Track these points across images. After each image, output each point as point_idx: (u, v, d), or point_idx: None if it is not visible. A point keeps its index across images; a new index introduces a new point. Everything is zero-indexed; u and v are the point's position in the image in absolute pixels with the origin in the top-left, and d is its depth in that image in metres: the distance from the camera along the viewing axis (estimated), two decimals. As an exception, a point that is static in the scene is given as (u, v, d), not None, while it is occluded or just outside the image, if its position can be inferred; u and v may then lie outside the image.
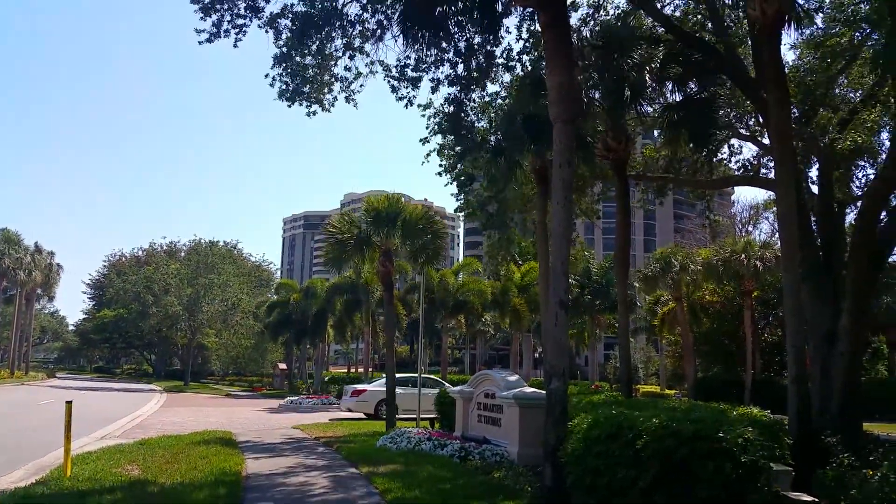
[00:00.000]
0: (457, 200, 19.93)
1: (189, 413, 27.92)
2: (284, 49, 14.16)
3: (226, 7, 13.36)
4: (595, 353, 59.00)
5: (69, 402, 11.32)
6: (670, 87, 15.65)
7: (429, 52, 14.37)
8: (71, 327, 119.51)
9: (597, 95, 16.44)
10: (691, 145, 16.24)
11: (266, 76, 14.39)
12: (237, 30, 13.64)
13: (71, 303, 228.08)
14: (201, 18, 13.38)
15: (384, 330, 43.25)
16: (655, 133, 20.49)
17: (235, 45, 13.70)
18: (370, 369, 44.96)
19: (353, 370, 58.34)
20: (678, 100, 15.57)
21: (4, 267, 59.61)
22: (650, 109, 17.10)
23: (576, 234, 23.17)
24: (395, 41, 13.82)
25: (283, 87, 14.76)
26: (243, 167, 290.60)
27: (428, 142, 18.21)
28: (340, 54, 14.95)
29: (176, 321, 60.34)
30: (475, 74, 15.67)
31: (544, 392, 10.45)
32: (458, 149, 18.08)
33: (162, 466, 11.81)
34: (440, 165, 18.68)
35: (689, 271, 33.68)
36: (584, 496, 8.45)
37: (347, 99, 15.73)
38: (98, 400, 34.98)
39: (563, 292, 10.10)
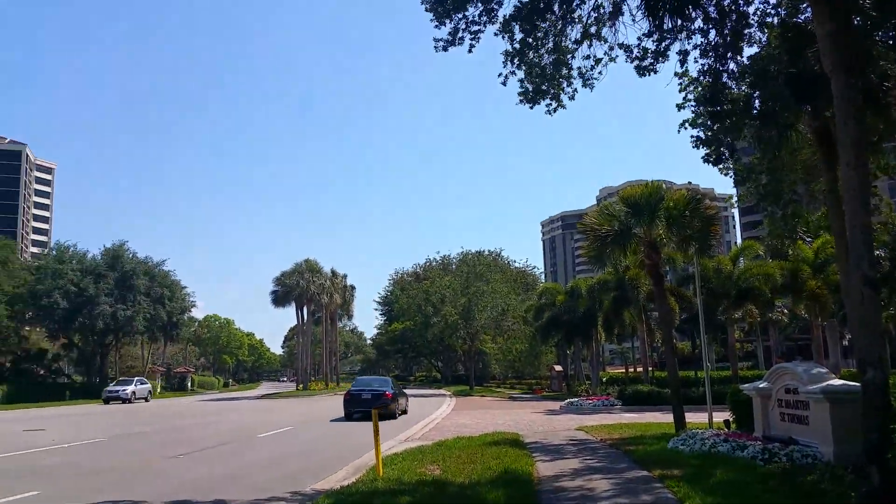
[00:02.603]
0: (724, 174, 18.06)
1: (477, 416, 29.38)
2: (517, 47, 14.04)
3: (461, 14, 13.64)
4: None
5: (375, 410, 12.61)
6: None
7: (673, 24, 13.42)
8: (368, 341, 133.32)
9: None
10: None
11: (499, 75, 14.34)
12: (472, 35, 13.90)
13: (366, 319, 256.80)
14: (436, 27, 13.80)
15: (658, 326, 41.54)
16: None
17: (470, 51, 13.98)
18: (649, 368, 43.38)
19: (630, 370, 56.90)
20: None
21: (311, 292, 68.33)
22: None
23: (880, 197, 19.82)
24: (634, 19, 13.13)
25: (523, 89, 14.67)
26: (498, 176, 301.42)
27: (684, 108, 16.71)
28: (577, 45, 14.51)
29: (455, 329, 64.11)
30: (729, 40, 14.25)
31: (856, 384, 9.16)
32: (716, 125, 16.40)
33: (459, 467, 12.46)
34: (693, 138, 16.89)
35: None
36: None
37: (584, 83, 15.12)
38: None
39: (867, 266, 8.79)
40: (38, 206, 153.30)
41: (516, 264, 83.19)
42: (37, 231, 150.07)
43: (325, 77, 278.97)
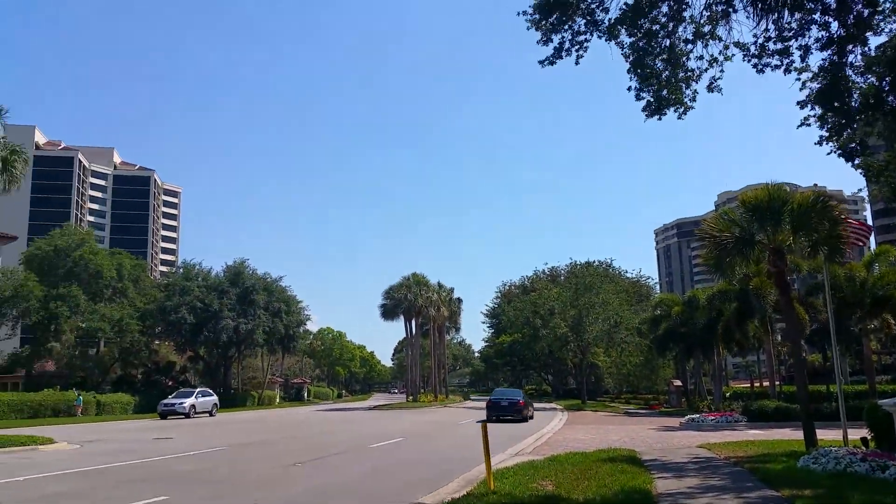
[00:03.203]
0: (855, 168, 16.71)
1: (590, 431, 28.61)
2: (633, 56, 13.67)
3: (565, 27, 13.38)
4: None
5: (484, 422, 12.46)
6: None
7: (789, 18, 12.58)
8: (476, 354, 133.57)
9: None
10: None
11: (629, 89, 14.08)
12: (577, 46, 13.61)
13: (473, 332, 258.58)
14: (542, 44, 13.61)
15: (785, 338, 39.03)
16: None
17: (577, 63, 13.71)
18: (777, 382, 40.82)
19: (756, 384, 53.85)
20: None
21: (419, 305, 69.19)
22: None
23: None
24: (749, 15, 12.42)
25: (646, 102, 14.24)
26: (608, 184, 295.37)
27: (806, 105, 15.71)
28: (690, 47, 13.93)
29: (564, 342, 63.00)
30: (853, 31, 13.19)
31: None
32: (841, 121, 15.21)
33: (573, 483, 12.11)
34: (821, 136, 15.81)
35: None
36: None
37: (710, 88, 14.51)
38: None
39: None
40: (165, 227, 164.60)
41: (628, 275, 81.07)
42: (165, 251, 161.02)
43: (434, 92, 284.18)
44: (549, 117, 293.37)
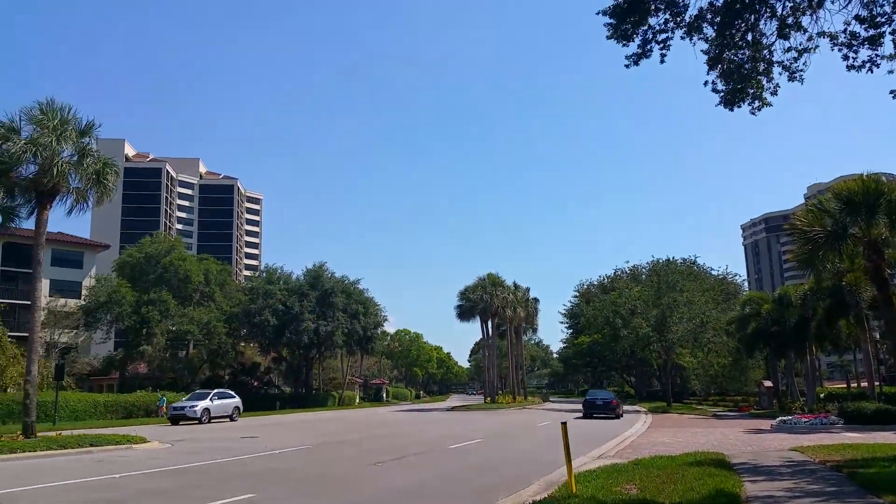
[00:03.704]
0: None
1: (675, 434, 27.76)
2: (714, 51, 13.22)
3: (645, 27, 13.09)
4: None
5: (564, 424, 12.17)
6: None
7: (883, 3, 11.79)
8: (555, 355, 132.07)
9: None
10: None
11: (705, 84, 13.66)
12: (661, 45, 13.29)
13: (551, 333, 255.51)
14: (623, 45, 13.38)
15: (884, 336, 36.85)
16: None
17: (662, 61, 13.40)
18: (876, 383, 38.53)
19: (853, 385, 51.06)
20: None
21: (495, 306, 68.91)
22: None
23: None
24: (838, 5, 11.73)
25: (722, 92, 13.76)
26: (691, 179, 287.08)
27: None
28: (774, 38, 13.31)
29: (647, 342, 61.42)
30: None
31: None
32: None
33: (659, 486, 11.74)
34: None
35: None
36: None
37: (791, 78, 13.85)
38: (589, 421, 37.49)
39: None
40: (248, 233, 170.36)
41: (714, 272, 78.41)
42: (248, 256, 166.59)
43: (507, 88, 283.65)
44: (629, 112, 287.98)
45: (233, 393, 44.32)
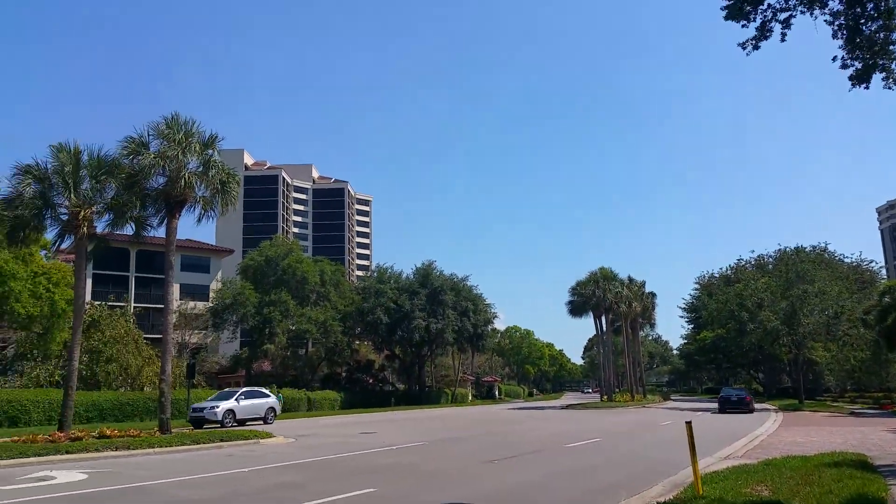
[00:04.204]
0: None
1: (809, 433, 26.05)
2: (842, 23, 12.25)
3: (764, 6, 12.37)
4: None
5: (689, 423, 11.60)
6: None
7: None
8: (675, 351, 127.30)
9: None
10: None
11: (833, 59, 12.72)
12: (782, 24, 12.49)
13: (670, 328, 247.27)
14: (743, 26, 12.74)
15: None
16: None
17: (783, 40, 12.65)
18: None
19: None
20: None
21: (609, 301, 67.23)
22: None
23: None
24: None
25: (853, 68, 12.76)
26: (816, 163, 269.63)
27: None
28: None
29: (776, 336, 57.94)
30: None
31: None
32: None
33: (793, 488, 11.06)
34: None
35: None
36: None
37: None
38: (715, 420, 35.88)
39: None
40: (359, 234, 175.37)
41: (847, 259, 73.17)
42: (360, 256, 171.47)
43: (617, 83, 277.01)
44: (749, 93, 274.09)
45: (266, 391, 38.38)
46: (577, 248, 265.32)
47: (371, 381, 70.69)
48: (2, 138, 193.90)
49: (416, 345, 66.85)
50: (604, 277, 68.76)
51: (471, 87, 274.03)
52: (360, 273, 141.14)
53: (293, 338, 63.29)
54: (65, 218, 24.04)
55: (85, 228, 23.58)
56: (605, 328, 70.10)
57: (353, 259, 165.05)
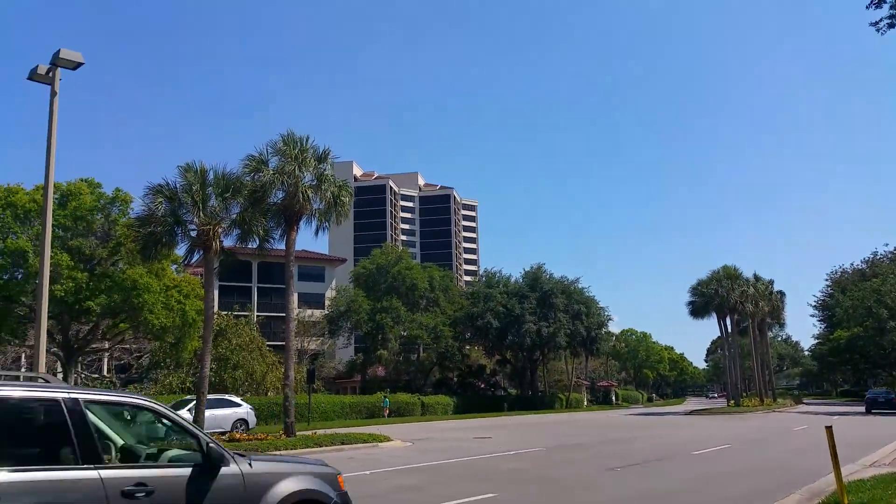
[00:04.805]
0: None
1: (965, 440, 23.72)
2: None
3: None
4: None
5: (829, 427, 10.80)
6: None
7: None
8: (806, 352, 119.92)
9: None
10: None
11: None
12: None
13: (801, 328, 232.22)
14: (876, 7, 12.12)
15: None
16: None
17: None
18: None
19: None
20: None
21: (733, 301, 64.14)
22: None
23: None
24: None
25: None
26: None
27: None
28: None
29: (920, 334, 53.58)
30: None
31: None
32: None
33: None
34: None
35: None
36: None
37: None
38: (856, 424, 33.53)
39: None
40: (466, 239, 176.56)
41: None
42: (467, 261, 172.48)
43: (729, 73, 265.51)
44: (863, 81, 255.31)
45: (237, 400, 33.06)
46: (697, 247, 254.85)
47: (483, 385, 70.82)
48: (135, 160, 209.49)
49: (528, 349, 66.33)
50: (727, 276, 65.87)
51: (579, 86, 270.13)
52: (467, 278, 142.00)
53: (405, 343, 64.51)
54: (194, 234, 25.57)
55: (214, 244, 25.01)
56: (730, 329, 67.00)
57: (460, 264, 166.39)
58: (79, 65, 18.75)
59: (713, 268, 68.35)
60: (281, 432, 25.59)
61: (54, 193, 22.79)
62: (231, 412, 31.20)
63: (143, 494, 5.20)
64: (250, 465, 5.99)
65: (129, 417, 6.68)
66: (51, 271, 20.22)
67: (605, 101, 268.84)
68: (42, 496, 4.81)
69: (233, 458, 5.91)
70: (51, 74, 18.83)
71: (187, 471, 5.59)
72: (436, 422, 44.24)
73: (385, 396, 49.94)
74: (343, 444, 23.18)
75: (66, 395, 5.23)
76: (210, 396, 27.42)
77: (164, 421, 5.96)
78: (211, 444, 5.77)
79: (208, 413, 26.72)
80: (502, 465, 17.50)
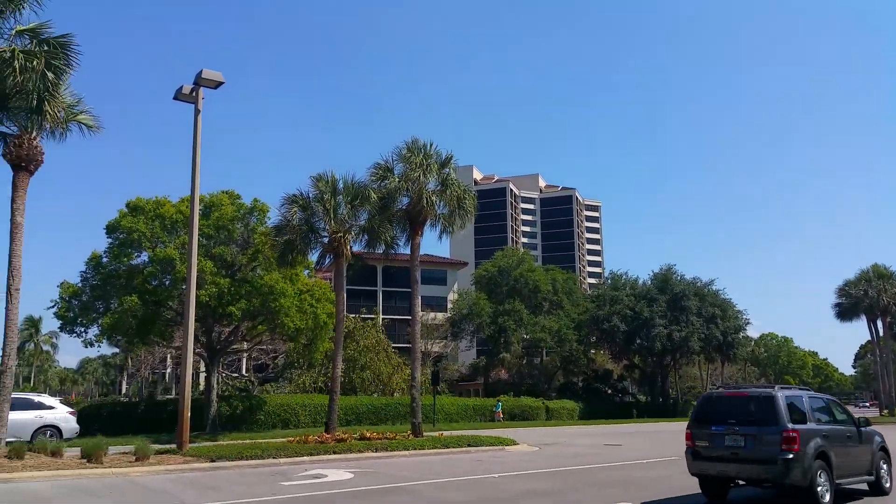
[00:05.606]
0: None
1: None
2: None
3: None
4: None
5: None
6: None
7: None
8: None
9: None
10: None
11: None
12: None
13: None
14: None
15: None
16: None
17: None
18: None
19: None
20: None
21: (885, 302, 59.25)
22: None
23: None
24: None
25: None
26: None
27: None
28: None
29: None
30: None
31: None
32: None
33: None
34: None
35: None
36: None
37: None
38: None
39: None
40: (589, 241, 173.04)
41: None
42: (591, 263, 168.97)
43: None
44: None
45: (51, 402, 25.63)
46: (841, 246, 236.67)
47: (609, 391, 69.06)
48: (275, 175, 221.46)
49: (658, 354, 63.78)
50: (877, 275, 60.83)
51: (696, 84, 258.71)
52: (591, 280, 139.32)
53: (528, 346, 64.08)
54: (325, 241, 26.64)
55: (345, 250, 25.97)
56: (881, 332, 61.80)
57: (583, 266, 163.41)
58: (219, 84, 20.01)
59: (862, 267, 63.78)
60: (409, 432, 26.03)
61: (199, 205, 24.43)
62: (31, 418, 23.27)
63: None
64: None
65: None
66: (196, 277, 21.63)
67: (724, 99, 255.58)
68: None
69: None
70: (194, 94, 20.18)
71: None
72: (561, 427, 43.60)
73: (498, 400, 49.70)
74: (470, 446, 23.29)
75: None
76: (14, 395, 20.69)
77: None
78: None
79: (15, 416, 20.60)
80: (635, 472, 16.94)
